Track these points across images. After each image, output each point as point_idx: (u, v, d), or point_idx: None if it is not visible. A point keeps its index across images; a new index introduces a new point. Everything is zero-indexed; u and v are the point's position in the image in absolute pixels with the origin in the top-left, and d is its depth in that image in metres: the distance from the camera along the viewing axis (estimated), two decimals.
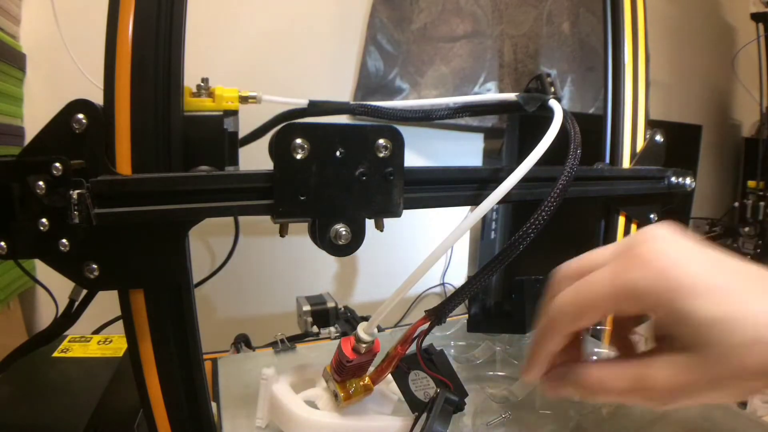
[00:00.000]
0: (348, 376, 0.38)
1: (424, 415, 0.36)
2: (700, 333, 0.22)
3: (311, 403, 0.42)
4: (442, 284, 1.10)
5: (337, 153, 0.31)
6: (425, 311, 0.32)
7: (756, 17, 1.26)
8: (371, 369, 0.39)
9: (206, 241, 0.93)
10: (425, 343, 0.39)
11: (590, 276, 0.26)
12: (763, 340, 0.21)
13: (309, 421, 0.40)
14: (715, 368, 0.22)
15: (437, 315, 0.32)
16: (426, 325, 0.33)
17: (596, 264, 0.27)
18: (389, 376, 0.43)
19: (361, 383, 0.39)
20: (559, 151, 0.35)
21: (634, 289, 0.24)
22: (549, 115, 0.38)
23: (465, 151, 1.10)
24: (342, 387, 0.39)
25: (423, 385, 0.41)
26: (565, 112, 0.38)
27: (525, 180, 0.32)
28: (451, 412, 0.35)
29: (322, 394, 0.42)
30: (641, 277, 0.24)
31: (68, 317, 0.37)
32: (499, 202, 0.31)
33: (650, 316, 0.27)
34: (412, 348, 0.35)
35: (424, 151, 1.06)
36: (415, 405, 0.40)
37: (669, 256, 0.24)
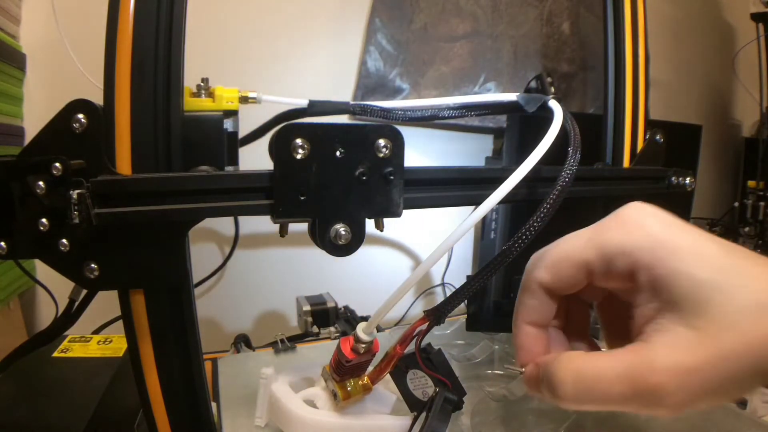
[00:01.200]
0: (347, 376, 0.38)
1: (423, 415, 0.36)
2: (700, 293, 0.20)
3: (310, 403, 0.42)
4: (443, 284, 1.10)
5: (337, 153, 0.31)
6: (424, 311, 0.32)
7: (756, 17, 1.26)
8: (370, 368, 0.39)
9: (206, 241, 0.93)
10: (423, 343, 0.39)
11: (567, 236, 0.26)
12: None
13: (308, 420, 0.40)
14: (722, 338, 0.20)
15: (436, 315, 0.32)
16: (425, 326, 0.33)
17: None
18: (388, 376, 0.43)
19: (360, 383, 0.39)
20: (561, 150, 0.35)
21: (620, 245, 0.23)
22: (549, 115, 0.38)
23: (467, 151, 1.10)
24: (341, 386, 0.39)
25: (421, 384, 0.41)
26: (565, 112, 0.38)
27: (525, 180, 0.32)
28: (450, 411, 0.35)
29: (321, 394, 0.42)
30: (626, 235, 0.23)
31: (68, 317, 0.37)
32: (500, 203, 0.31)
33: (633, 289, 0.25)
34: (411, 347, 0.35)
35: (425, 151, 1.06)
36: (414, 404, 0.40)
37: (658, 221, 0.23)
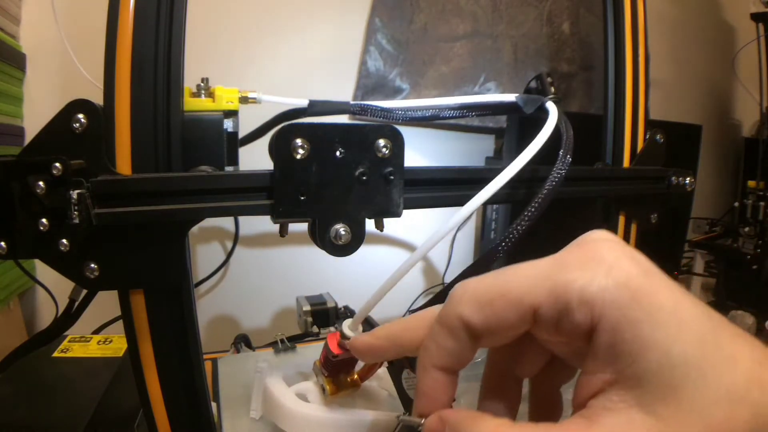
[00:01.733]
0: (336, 371, 0.39)
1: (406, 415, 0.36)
2: (672, 374, 0.16)
3: (302, 396, 0.42)
4: (443, 284, 1.10)
5: (337, 153, 0.31)
6: (409, 311, 0.32)
7: (756, 17, 1.26)
8: (361, 365, 0.39)
9: (206, 241, 0.93)
10: None
11: (515, 266, 0.20)
12: (749, 400, 0.16)
13: (296, 412, 0.40)
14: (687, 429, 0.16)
15: None
16: None
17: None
18: (384, 373, 0.43)
19: (349, 379, 0.39)
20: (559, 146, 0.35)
21: (582, 292, 0.18)
22: (546, 117, 0.38)
23: (467, 151, 1.10)
24: (329, 381, 0.39)
25: (413, 383, 0.42)
26: (560, 114, 0.38)
27: (523, 180, 0.32)
28: None
29: (313, 388, 0.42)
30: (592, 280, 0.18)
31: (68, 317, 0.37)
32: (487, 203, 0.32)
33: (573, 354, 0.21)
34: None
35: (425, 151, 1.06)
36: (405, 402, 0.41)
37: (635, 266, 0.18)
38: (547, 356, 0.23)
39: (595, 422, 0.17)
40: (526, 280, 0.19)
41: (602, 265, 0.18)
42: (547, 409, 0.24)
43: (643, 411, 0.17)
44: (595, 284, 0.18)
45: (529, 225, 0.31)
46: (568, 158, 0.34)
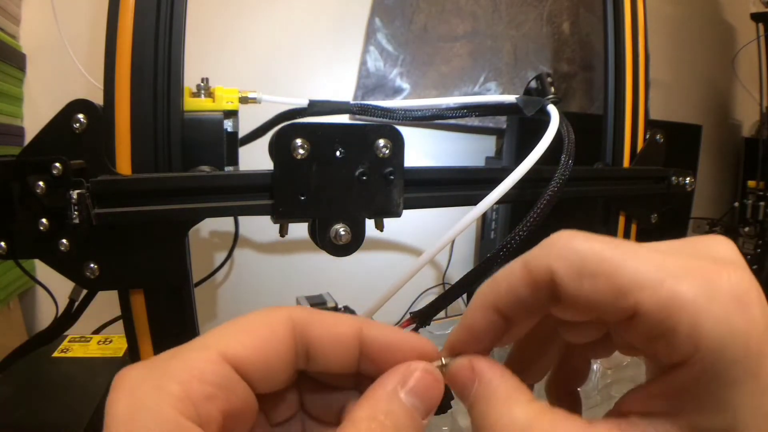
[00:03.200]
0: None
1: None
2: (706, 360, 0.15)
3: None
4: (443, 284, 1.10)
5: (337, 153, 0.31)
6: (410, 313, 0.32)
7: (756, 17, 1.26)
8: None
9: (206, 241, 0.93)
10: None
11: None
12: None
13: None
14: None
15: (421, 318, 0.32)
16: (411, 327, 0.33)
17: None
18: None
19: None
20: (560, 149, 0.35)
21: (695, 315, 0.15)
22: (546, 119, 0.38)
23: (467, 151, 1.10)
24: None
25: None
26: (561, 117, 0.38)
27: (524, 181, 0.32)
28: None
29: None
30: (721, 315, 0.15)
31: (68, 317, 0.37)
32: (496, 204, 0.32)
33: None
34: None
35: (425, 151, 1.06)
36: None
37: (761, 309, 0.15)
38: (604, 331, 0.20)
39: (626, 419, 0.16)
40: (646, 272, 0.16)
41: (730, 303, 0.15)
42: (570, 377, 0.23)
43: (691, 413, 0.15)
44: (721, 323, 0.15)
45: (531, 230, 0.31)
46: (570, 163, 0.34)
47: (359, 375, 0.20)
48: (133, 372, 0.16)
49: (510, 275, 0.19)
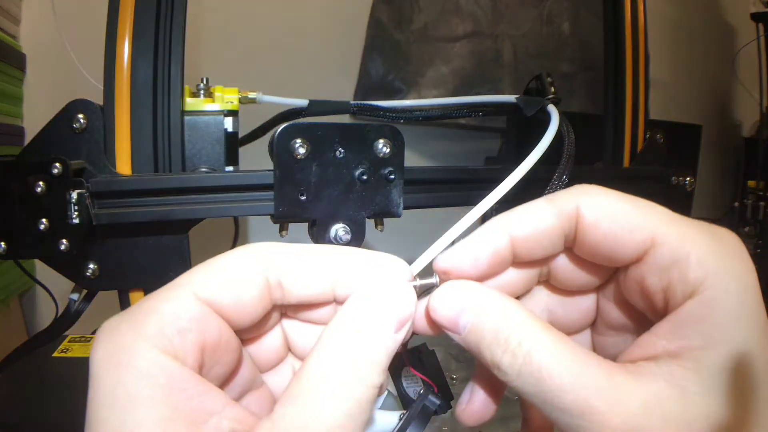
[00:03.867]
0: None
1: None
2: (715, 289, 0.16)
3: None
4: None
5: (337, 153, 0.31)
6: None
7: (756, 17, 1.26)
8: None
9: (206, 241, 0.93)
10: (419, 342, 0.39)
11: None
12: None
13: None
14: None
15: None
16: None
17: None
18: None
19: None
20: (560, 148, 0.35)
21: (706, 254, 0.17)
22: (547, 119, 0.38)
23: (467, 151, 1.10)
24: None
25: (413, 383, 0.41)
26: (561, 117, 0.38)
27: (523, 181, 0.32)
28: (429, 415, 0.35)
29: None
30: (728, 259, 0.17)
31: (68, 317, 0.37)
32: (495, 204, 0.31)
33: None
34: (412, 343, 0.35)
35: (425, 151, 1.06)
36: (407, 402, 0.41)
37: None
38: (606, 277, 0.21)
39: (645, 383, 0.16)
40: (664, 218, 0.18)
41: (734, 252, 0.17)
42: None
43: (708, 396, 0.15)
44: (727, 261, 0.16)
45: None
46: (571, 163, 0.34)
47: (338, 307, 0.20)
48: (112, 321, 0.17)
49: (534, 206, 0.19)
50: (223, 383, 0.19)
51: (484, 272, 0.20)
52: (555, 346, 0.16)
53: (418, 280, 0.20)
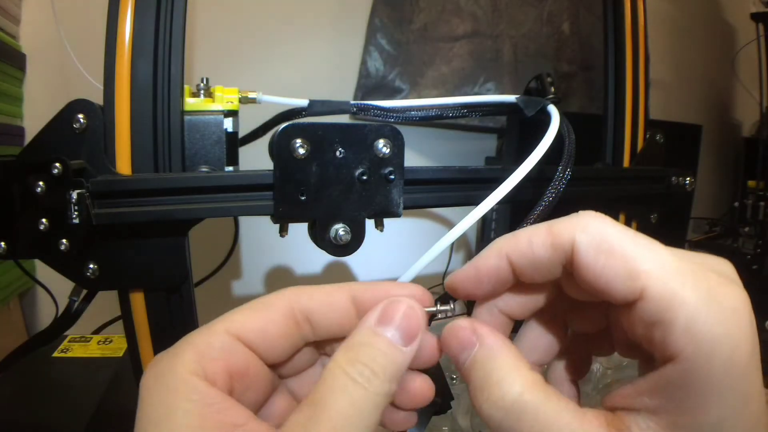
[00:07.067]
0: None
1: None
2: (697, 357, 0.16)
3: None
4: (443, 284, 1.10)
5: (337, 153, 0.31)
6: None
7: (756, 17, 1.26)
8: None
9: (206, 241, 0.93)
10: None
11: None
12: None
13: None
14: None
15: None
16: None
17: None
18: None
19: None
20: (560, 148, 0.35)
21: (693, 316, 0.16)
22: (547, 119, 0.38)
23: (467, 151, 1.10)
24: None
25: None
26: (562, 117, 0.38)
27: (523, 180, 0.32)
28: (429, 415, 0.34)
29: None
30: (711, 313, 0.16)
31: (68, 317, 0.37)
32: (497, 204, 0.31)
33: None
34: None
35: (425, 151, 1.06)
36: None
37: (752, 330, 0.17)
38: (604, 324, 0.22)
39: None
40: (659, 264, 0.17)
41: (727, 311, 0.16)
42: (570, 368, 0.24)
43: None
44: (716, 326, 0.16)
45: None
46: (570, 165, 0.34)
47: None
48: (159, 354, 0.20)
49: (533, 233, 0.20)
50: (256, 409, 0.22)
51: (487, 291, 0.22)
52: (537, 400, 0.18)
53: (438, 306, 0.23)
